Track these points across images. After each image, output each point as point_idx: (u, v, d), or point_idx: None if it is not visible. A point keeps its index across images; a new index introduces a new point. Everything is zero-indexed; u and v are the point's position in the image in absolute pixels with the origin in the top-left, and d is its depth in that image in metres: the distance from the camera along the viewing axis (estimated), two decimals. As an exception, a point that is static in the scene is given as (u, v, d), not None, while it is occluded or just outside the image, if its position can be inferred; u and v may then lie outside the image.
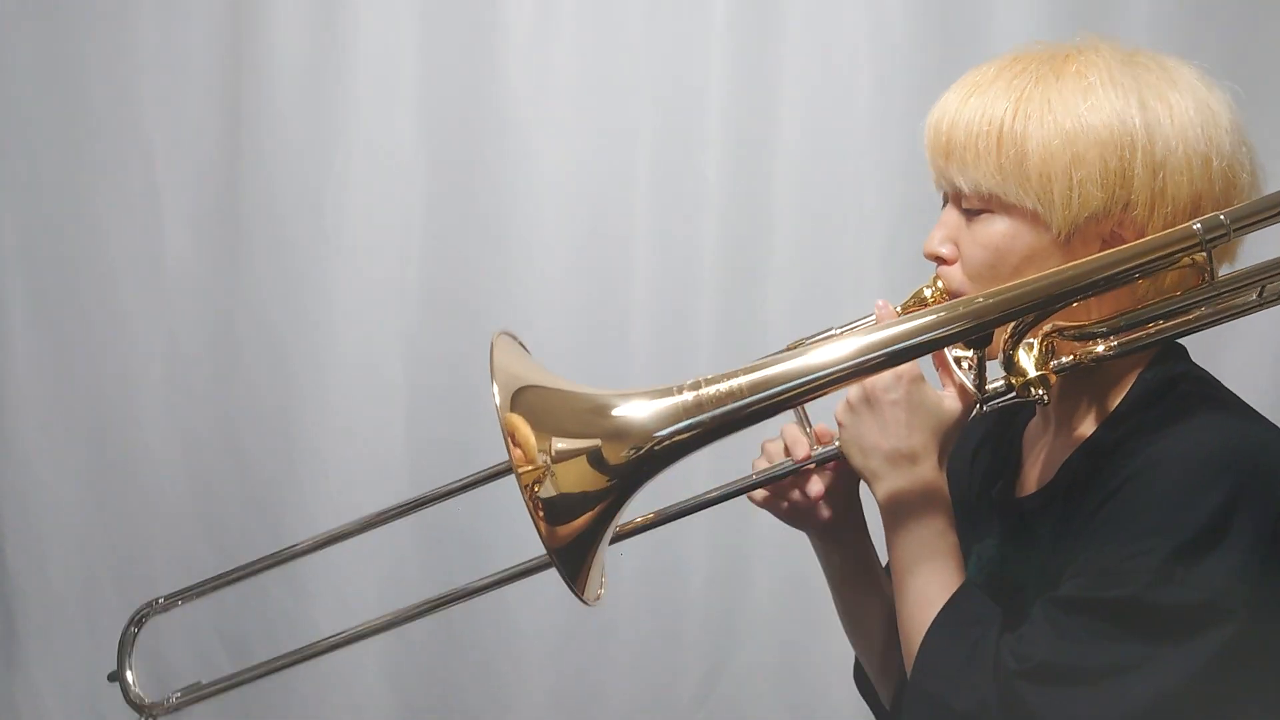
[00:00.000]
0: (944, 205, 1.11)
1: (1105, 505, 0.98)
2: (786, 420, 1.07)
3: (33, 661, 2.17)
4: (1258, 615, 0.93)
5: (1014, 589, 1.04)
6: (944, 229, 1.10)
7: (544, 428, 0.97)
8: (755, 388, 0.99)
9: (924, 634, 1.02)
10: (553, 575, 1.99)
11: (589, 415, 0.99)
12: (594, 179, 1.93)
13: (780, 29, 1.84)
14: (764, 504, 1.20)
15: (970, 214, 1.07)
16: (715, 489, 1.15)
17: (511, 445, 0.96)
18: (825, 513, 1.19)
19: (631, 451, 0.97)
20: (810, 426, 1.13)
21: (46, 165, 2.12)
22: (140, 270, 2.11)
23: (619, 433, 0.97)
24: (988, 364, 1.05)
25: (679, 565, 1.94)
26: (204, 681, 1.39)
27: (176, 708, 1.37)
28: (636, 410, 0.98)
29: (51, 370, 2.15)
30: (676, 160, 1.89)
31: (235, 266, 2.08)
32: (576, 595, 1.00)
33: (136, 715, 1.37)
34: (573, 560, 0.99)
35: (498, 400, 0.97)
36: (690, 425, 0.97)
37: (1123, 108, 1.02)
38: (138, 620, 1.43)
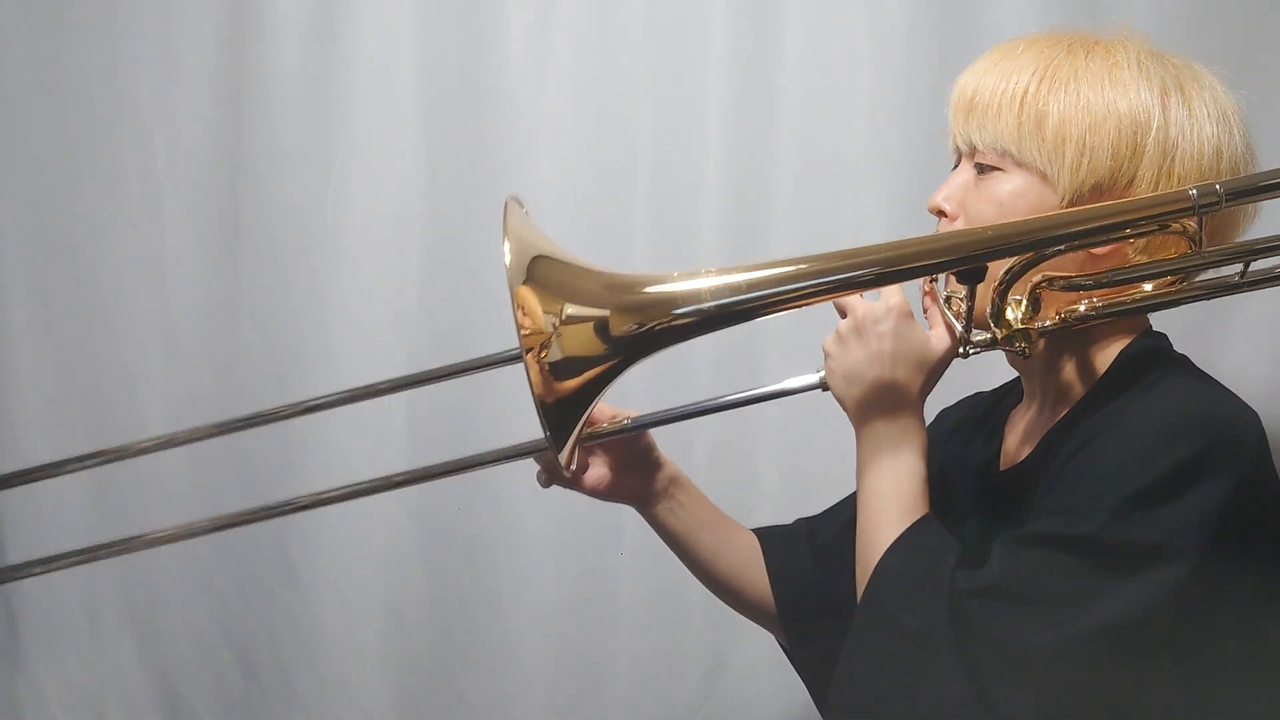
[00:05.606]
0: (954, 168, 1.15)
1: (1076, 456, 1.02)
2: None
3: (36, 662, 2.17)
4: (1209, 567, 0.96)
5: None
6: (950, 187, 1.14)
7: (558, 293, 1.04)
8: (753, 286, 1.04)
9: (880, 555, 1.04)
10: (552, 578, 2.00)
11: (602, 289, 1.06)
12: (594, 178, 1.93)
13: (780, 28, 1.84)
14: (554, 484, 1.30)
15: (982, 170, 1.11)
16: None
17: (521, 315, 1.02)
18: (630, 482, 1.32)
19: (635, 326, 1.04)
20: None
21: (46, 165, 2.13)
22: (140, 270, 2.11)
23: (627, 308, 1.05)
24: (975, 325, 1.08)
25: (679, 565, 1.94)
26: None
27: None
28: (646, 291, 1.06)
29: (51, 370, 2.16)
30: (676, 159, 1.89)
31: (235, 266, 2.08)
32: (554, 451, 1.05)
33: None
34: (559, 420, 1.04)
35: (507, 260, 1.05)
36: (692, 312, 1.04)
37: (1145, 89, 1.06)
38: None
